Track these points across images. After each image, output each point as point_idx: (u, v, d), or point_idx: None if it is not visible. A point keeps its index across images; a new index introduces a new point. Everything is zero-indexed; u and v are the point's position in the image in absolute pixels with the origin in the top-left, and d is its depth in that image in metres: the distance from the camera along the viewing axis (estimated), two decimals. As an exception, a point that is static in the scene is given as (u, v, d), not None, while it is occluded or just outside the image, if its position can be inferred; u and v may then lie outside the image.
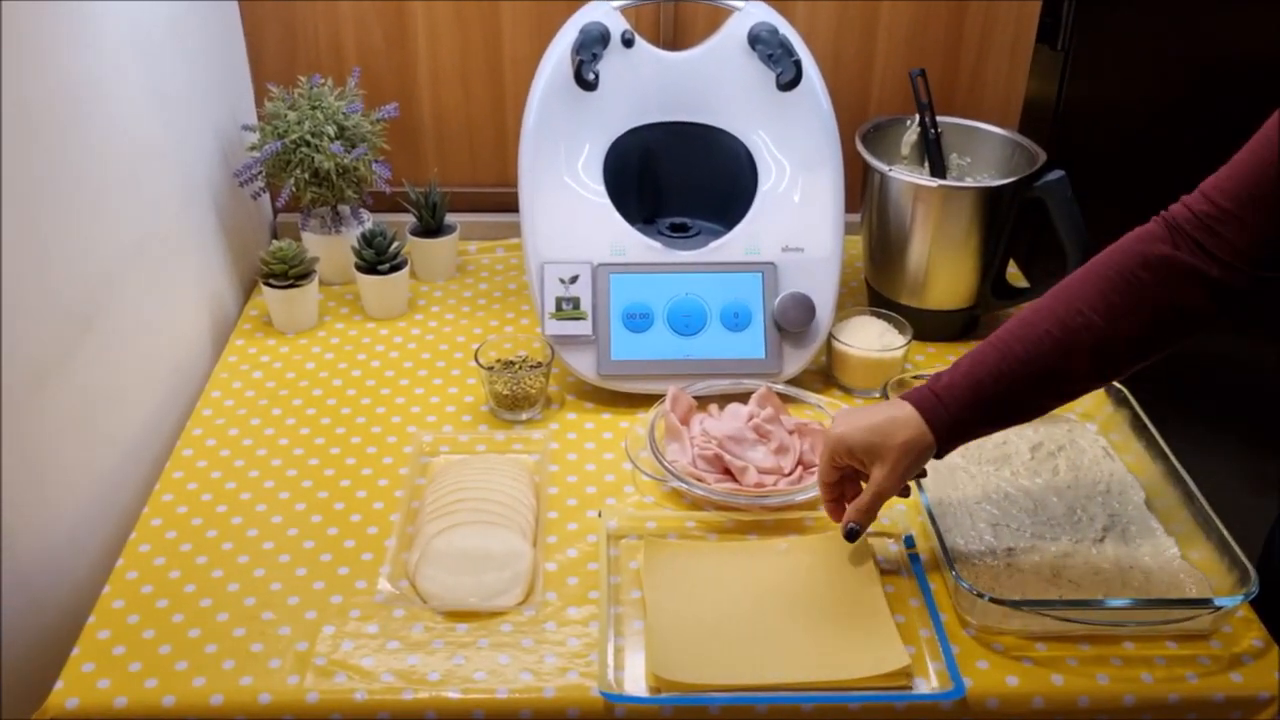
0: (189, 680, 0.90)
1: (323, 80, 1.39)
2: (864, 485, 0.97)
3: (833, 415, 1.01)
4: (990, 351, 0.92)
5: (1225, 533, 0.98)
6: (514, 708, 0.90)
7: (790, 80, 1.24)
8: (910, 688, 0.90)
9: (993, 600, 0.92)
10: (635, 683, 0.91)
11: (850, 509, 0.98)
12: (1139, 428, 1.14)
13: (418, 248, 1.47)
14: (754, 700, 0.89)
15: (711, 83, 1.30)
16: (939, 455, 0.95)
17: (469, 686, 0.90)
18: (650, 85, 1.30)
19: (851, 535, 0.98)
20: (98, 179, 1.07)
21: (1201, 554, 1.00)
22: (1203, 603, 0.94)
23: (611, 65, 1.27)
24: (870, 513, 0.97)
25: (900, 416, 0.94)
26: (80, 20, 1.04)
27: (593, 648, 0.94)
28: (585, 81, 1.23)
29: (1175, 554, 1.02)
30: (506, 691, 0.90)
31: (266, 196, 1.52)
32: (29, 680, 0.95)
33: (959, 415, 0.93)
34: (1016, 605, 0.92)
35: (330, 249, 1.43)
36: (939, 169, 1.36)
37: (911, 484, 1.08)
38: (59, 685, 0.90)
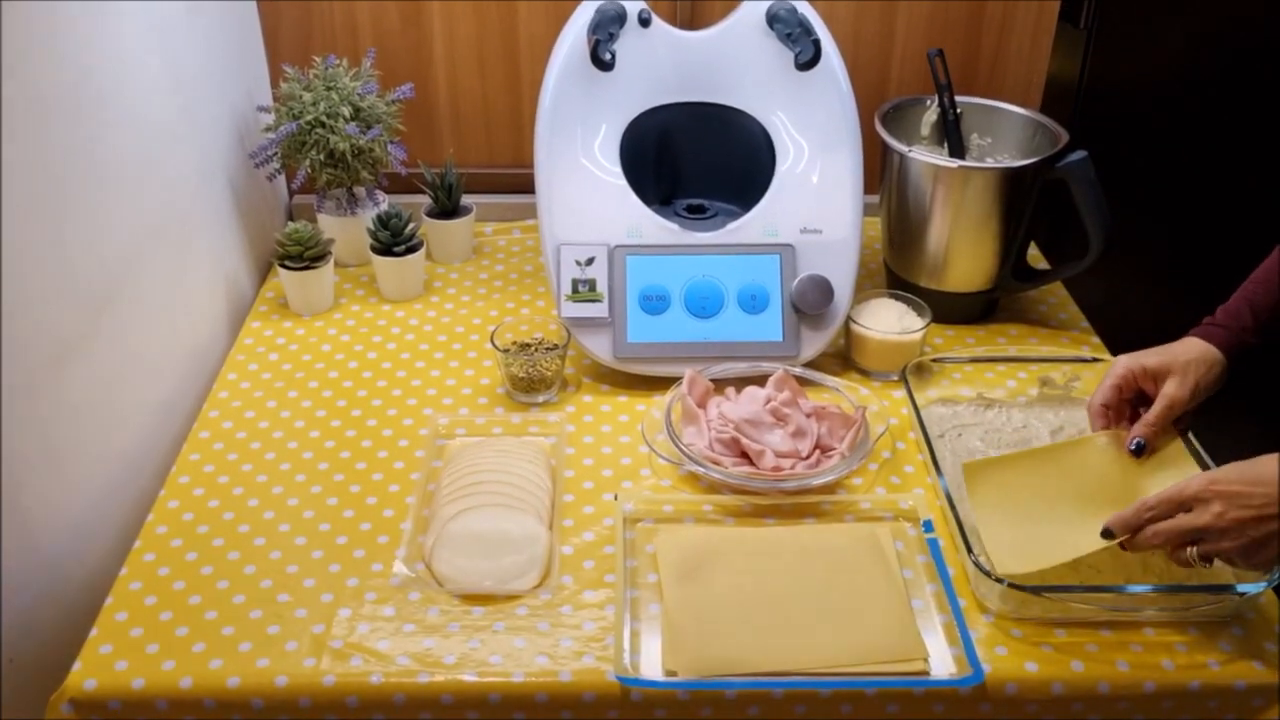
0: (206, 662, 0.91)
1: (338, 61, 1.38)
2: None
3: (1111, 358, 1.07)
4: (1259, 288, 1.02)
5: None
6: (529, 691, 0.89)
7: (809, 60, 1.23)
8: (928, 673, 0.90)
9: (1011, 586, 0.91)
10: (651, 667, 0.90)
11: (1138, 425, 1.01)
12: (1161, 411, 1.13)
13: (433, 229, 1.46)
14: (770, 685, 0.88)
15: (729, 63, 1.28)
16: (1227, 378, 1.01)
17: (485, 669, 0.90)
18: (667, 65, 1.28)
19: (1139, 450, 1.00)
20: (114, 161, 1.07)
21: (1224, 540, 0.99)
22: (1225, 589, 0.93)
23: (628, 45, 1.26)
24: (1159, 426, 1.00)
25: (1186, 341, 1.02)
26: (96, 3, 1.03)
27: (608, 631, 0.93)
28: (601, 61, 1.22)
29: (1197, 540, 1.01)
30: (522, 675, 0.90)
31: (282, 178, 1.52)
32: (48, 661, 0.96)
33: (1241, 337, 1.00)
34: (1036, 591, 0.91)
35: (346, 231, 1.43)
36: (958, 150, 1.34)
37: (931, 467, 1.07)
38: (77, 666, 0.90)
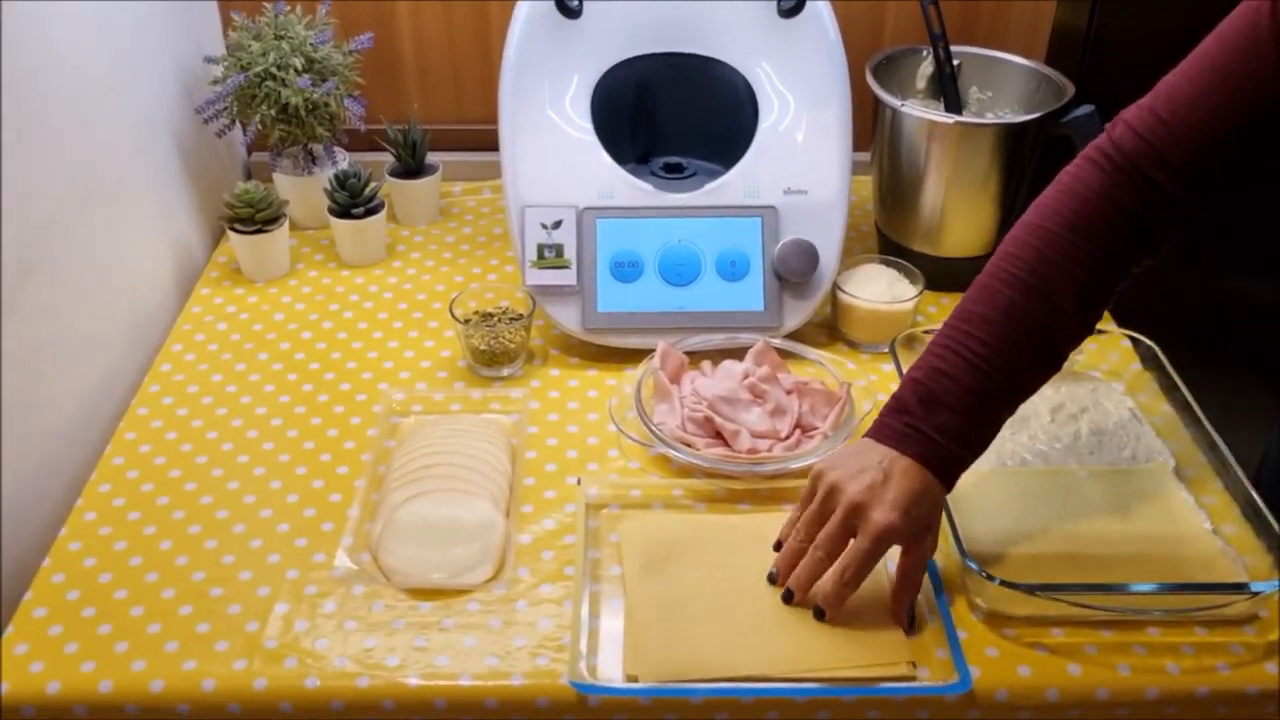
0: (128, 664, 0.83)
1: (289, 8, 1.29)
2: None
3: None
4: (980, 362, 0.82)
5: (1263, 506, 0.90)
6: (478, 696, 0.82)
7: (792, 6, 1.14)
8: (913, 678, 0.82)
9: (1003, 583, 0.83)
10: (611, 669, 0.83)
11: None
12: (1169, 387, 1.05)
13: (397, 190, 1.37)
14: (740, 691, 0.81)
15: (708, 9, 1.19)
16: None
17: (430, 672, 0.83)
18: (643, 13, 1.19)
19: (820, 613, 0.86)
20: (35, 119, 0.98)
21: (1236, 530, 0.91)
22: (1237, 587, 0.85)
23: (599, -10, 1.17)
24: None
25: (923, 489, 0.82)
26: (6, -61, 0.94)
27: (566, 630, 0.86)
28: (567, 8, 1.13)
29: (1208, 530, 0.93)
30: (470, 678, 0.83)
31: (238, 135, 1.43)
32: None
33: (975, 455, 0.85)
34: (1030, 590, 0.84)
35: (303, 191, 1.35)
36: (956, 104, 1.25)
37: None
38: (-13, 669, 0.83)
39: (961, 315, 0.84)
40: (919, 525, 0.83)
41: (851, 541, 0.82)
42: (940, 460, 0.82)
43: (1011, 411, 0.85)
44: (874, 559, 0.82)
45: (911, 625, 0.85)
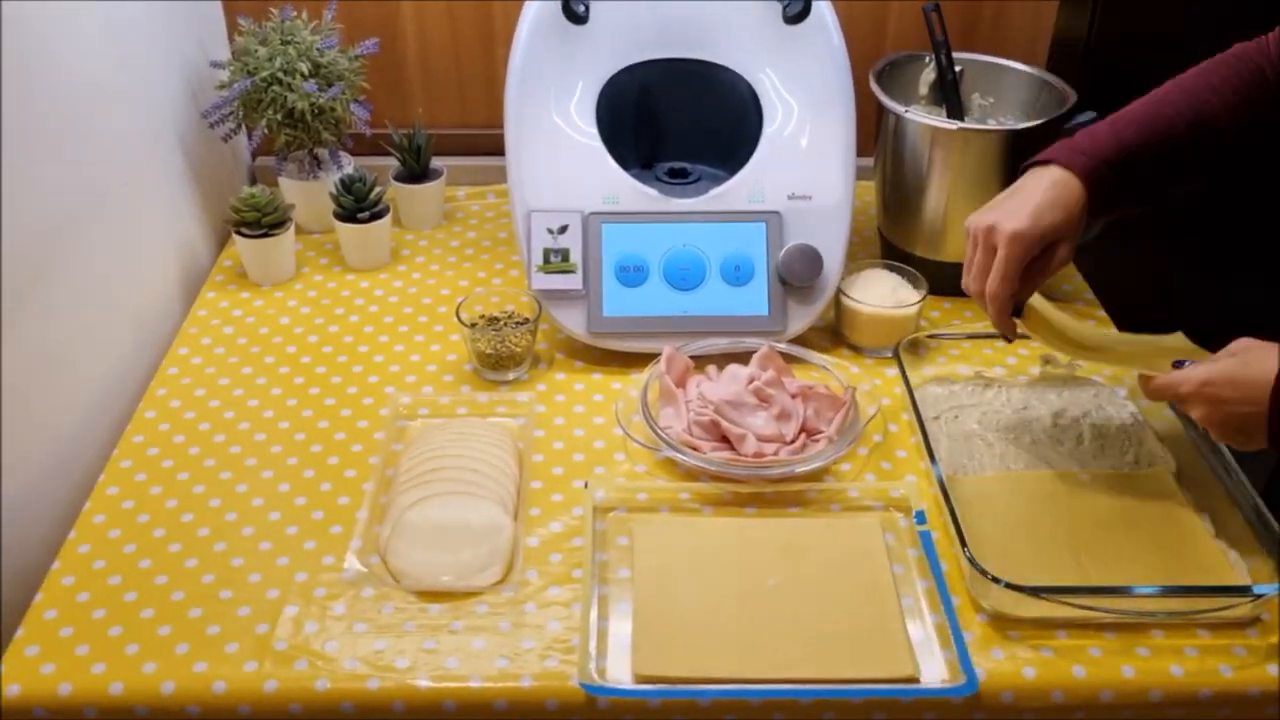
0: (139, 665, 0.84)
1: (295, 13, 1.29)
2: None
3: (977, 215, 0.95)
4: (1128, 127, 0.94)
5: (1265, 510, 0.91)
6: (488, 698, 0.83)
7: (798, 12, 1.14)
8: (917, 679, 0.83)
9: (1008, 586, 0.84)
10: (620, 670, 0.84)
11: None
12: (1171, 392, 1.06)
13: (401, 194, 1.38)
14: (746, 694, 0.82)
15: (713, 16, 1.20)
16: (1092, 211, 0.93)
17: (440, 674, 0.84)
18: (648, 19, 1.20)
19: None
20: (41, 122, 0.99)
21: (1238, 534, 0.92)
22: (1239, 590, 0.86)
23: (605, -4, 1.18)
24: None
25: (1055, 180, 0.93)
26: (17, -55, 0.95)
27: (575, 631, 0.87)
28: (574, 14, 1.14)
29: (1210, 534, 0.94)
30: (480, 680, 0.83)
31: (244, 140, 1.43)
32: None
33: (1100, 169, 0.92)
34: (1035, 592, 0.84)
35: (309, 195, 1.35)
36: (958, 110, 1.26)
37: (925, 452, 1.00)
38: (-1, 670, 0.84)
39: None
40: (1052, 233, 0.91)
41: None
42: (1071, 163, 0.92)
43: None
44: (1011, 264, 0.91)
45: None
